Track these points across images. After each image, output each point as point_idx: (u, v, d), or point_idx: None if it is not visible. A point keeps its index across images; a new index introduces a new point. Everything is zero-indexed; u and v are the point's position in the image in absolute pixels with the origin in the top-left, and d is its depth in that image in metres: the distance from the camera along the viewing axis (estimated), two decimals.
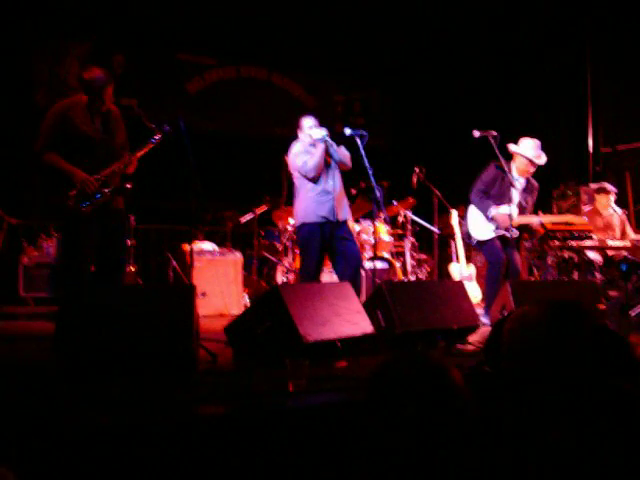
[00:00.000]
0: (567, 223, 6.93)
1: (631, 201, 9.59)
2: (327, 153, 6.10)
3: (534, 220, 6.70)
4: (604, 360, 2.41)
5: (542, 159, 6.63)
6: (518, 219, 6.54)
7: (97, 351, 3.63)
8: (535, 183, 6.85)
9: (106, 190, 5.04)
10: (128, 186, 5.17)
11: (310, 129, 6.16)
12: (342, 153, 6.16)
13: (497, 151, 6.42)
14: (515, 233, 6.47)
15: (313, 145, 6.12)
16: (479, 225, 6.63)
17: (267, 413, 2.88)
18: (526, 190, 6.75)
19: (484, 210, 6.55)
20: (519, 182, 6.66)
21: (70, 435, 2.54)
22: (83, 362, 3.59)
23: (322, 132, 6.04)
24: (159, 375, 3.56)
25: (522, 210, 6.69)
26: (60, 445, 2.49)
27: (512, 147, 6.68)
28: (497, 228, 6.47)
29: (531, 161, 6.59)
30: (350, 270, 5.99)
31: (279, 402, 3.08)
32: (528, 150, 6.60)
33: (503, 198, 6.49)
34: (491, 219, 6.52)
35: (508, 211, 6.34)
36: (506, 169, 6.48)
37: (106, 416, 2.74)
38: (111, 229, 5.18)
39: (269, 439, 2.77)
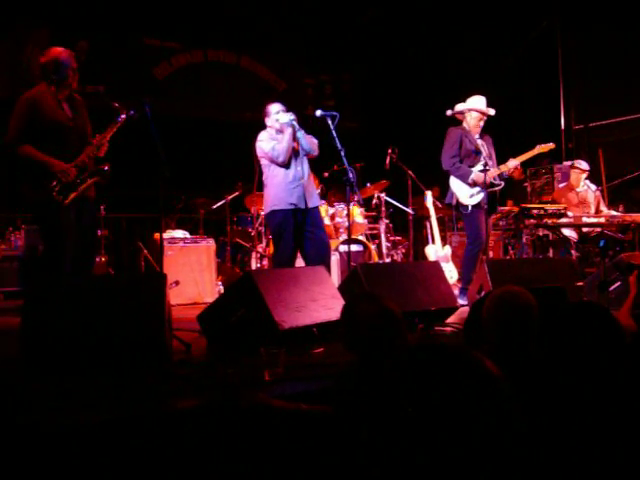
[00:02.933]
0: (538, 155, 7.02)
1: (604, 178, 9.60)
2: (294, 139, 6.01)
3: (510, 164, 6.72)
4: (588, 333, 2.35)
5: (491, 110, 6.79)
6: (494, 170, 6.63)
7: (65, 344, 3.52)
8: (487, 136, 6.95)
9: (87, 176, 4.94)
10: (106, 168, 5.05)
11: (277, 114, 6.07)
12: (309, 140, 6.07)
13: (466, 125, 6.55)
14: (501, 184, 6.67)
15: (280, 132, 6.04)
16: (466, 190, 6.66)
17: (243, 404, 2.79)
18: (485, 144, 6.83)
19: (464, 177, 6.62)
20: (476, 137, 6.77)
21: (39, 433, 2.44)
22: (50, 356, 3.48)
23: (289, 116, 5.97)
24: (131, 368, 3.46)
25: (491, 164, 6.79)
26: (28, 443, 2.39)
27: (461, 105, 6.80)
28: (482, 189, 6.48)
29: (483, 113, 6.73)
30: (319, 259, 5.89)
31: (255, 392, 2.99)
32: (478, 103, 6.75)
33: (473, 157, 6.65)
34: (473, 183, 6.52)
35: (483, 167, 6.46)
36: (466, 130, 6.66)
37: (76, 413, 2.64)
38: (85, 218, 5.10)
39: (246, 431, 2.68)
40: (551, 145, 7.00)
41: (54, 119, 4.97)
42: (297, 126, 5.97)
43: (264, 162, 6.14)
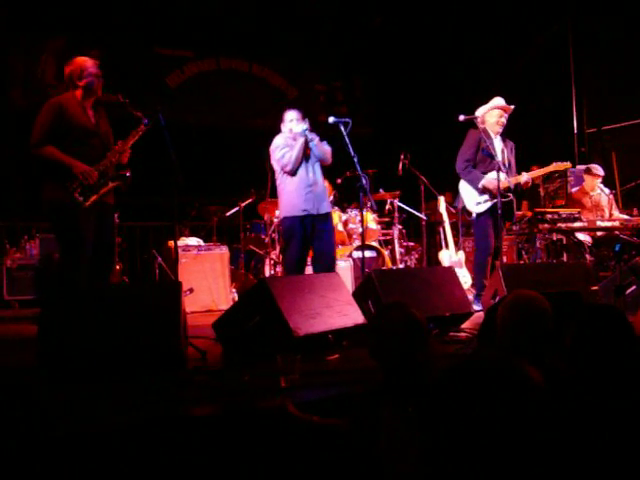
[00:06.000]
0: (552, 172, 7.00)
1: (617, 181, 9.56)
2: (307, 147, 6.07)
3: (522, 178, 6.65)
4: (602, 338, 2.34)
5: (511, 106, 6.71)
6: (507, 181, 6.52)
7: (81, 352, 3.54)
8: (510, 141, 6.88)
9: (108, 180, 4.99)
10: (127, 174, 5.09)
11: (291, 122, 6.15)
12: (323, 148, 6.13)
13: (484, 131, 6.48)
14: (509, 196, 6.54)
15: (294, 139, 6.10)
16: (473, 197, 6.59)
17: (260, 411, 2.79)
18: (506, 150, 6.76)
19: (474, 182, 6.53)
20: (497, 142, 6.69)
21: (56, 441, 2.45)
22: (67, 364, 3.50)
23: (302, 126, 6.05)
24: (147, 375, 3.47)
25: (507, 172, 6.69)
26: (45, 452, 2.40)
27: (482, 108, 6.72)
28: (490, 197, 6.43)
29: (502, 108, 6.66)
30: (322, 269, 5.97)
31: (272, 399, 3.00)
32: (496, 101, 6.70)
33: (488, 162, 6.53)
34: (483, 190, 6.48)
35: (496, 176, 6.32)
36: (484, 135, 6.54)
37: (92, 420, 2.65)
38: (104, 225, 5.13)
39: (263, 438, 2.68)
40: (567, 164, 7.00)
41: (79, 123, 5.02)
42: (309, 136, 6.02)
43: (276, 168, 6.21)
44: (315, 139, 6.08)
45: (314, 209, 6.05)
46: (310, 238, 6.08)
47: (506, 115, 6.70)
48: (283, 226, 6.25)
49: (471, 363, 1.41)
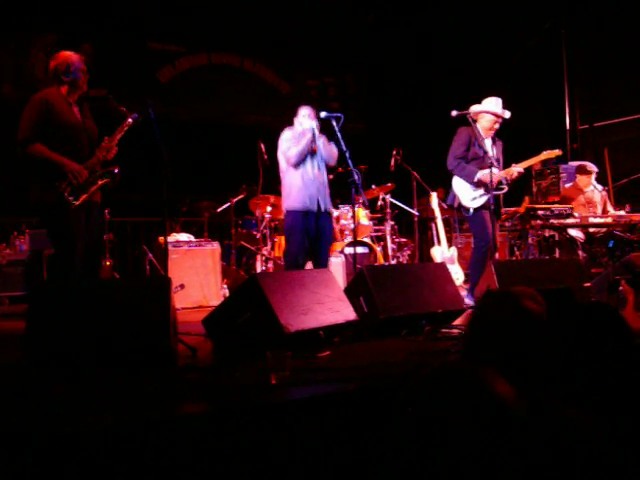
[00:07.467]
0: (544, 167, 6.96)
1: (610, 178, 9.56)
2: (314, 144, 6.21)
3: (514, 169, 6.63)
4: (596, 335, 2.31)
5: (507, 113, 6.68)
6: (499, 174, 6.51)
7: (70, 349, 3.50)
8: (499, 140, 6.87)
9: (97, 178, 4.95)
10: (116, 171, 5.04)
11: (303, 117, 6.29)
12: (330, 150, 6.27)
13: (475, 128, 6.43)
14: (505, 189, 6.60)
15: (303, 134, 6.23)
16: (468, 193, 6.56)
17: (250, 409, 2.76)
18: (495, 148, 6.75)
19: (469, 176, 6.51)
20: (487, 140, 6.67)
21: (44, 438, 2.42)
22: (55, 361, 3.46)
23: (311, 123, 6.19)
24: (136, 372, 3.43)
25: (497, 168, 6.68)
26: (33, 449, 2.37)
27: (476, 107, 6.70)
28: (486, 191, 6.40)
29: (497, 115, 6.62)
30: (318, 264, 6.25)
31: (262, 396, 2.97)
32: (492, 106, 6.66)
33: (480, 161, 6.52)
34: (477, 183, 6.46)
35: (489, 168, 6.32)
36: (475, 132, 6.53)
37: (81, 418, 2.62)
38: (91, 222, 5.07)
39: (254, 437, 2.65)
40: (557, 152, 6.95)
41: (66, 120, 4.95)
42: (317, 134, 6.18)
43: (282, 160, 6.32)
44: (322, 138, 6.23)
45: (316, 205, 6.18)
46: (312, 234, 6.20)
47: (500, 121, 6.67)
48: (285, 220, 6.37)
49: (435, 373, 1.37)
